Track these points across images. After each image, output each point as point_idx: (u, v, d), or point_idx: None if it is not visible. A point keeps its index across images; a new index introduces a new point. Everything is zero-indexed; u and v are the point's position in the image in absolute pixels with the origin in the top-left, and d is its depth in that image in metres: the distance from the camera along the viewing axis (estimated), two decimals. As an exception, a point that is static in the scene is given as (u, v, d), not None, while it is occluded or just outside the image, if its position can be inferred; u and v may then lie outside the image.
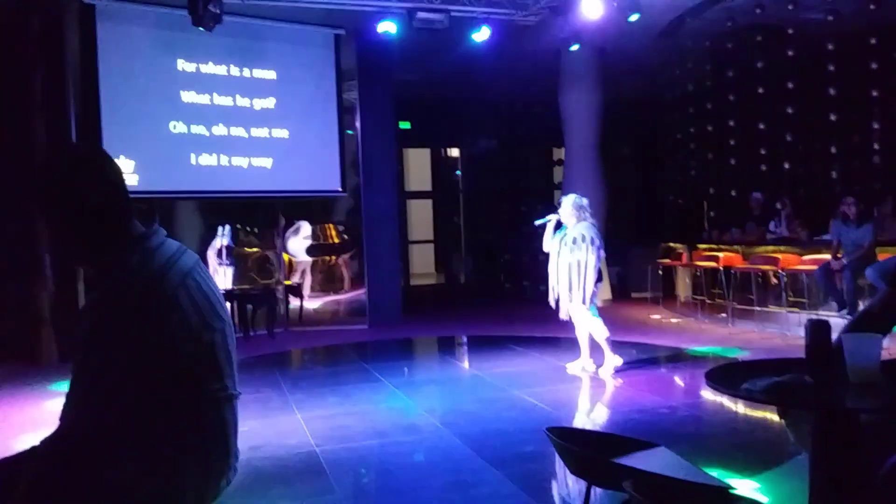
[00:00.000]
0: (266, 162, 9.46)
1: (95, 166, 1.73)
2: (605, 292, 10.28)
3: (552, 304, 6.42)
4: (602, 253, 6.22)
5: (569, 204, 6.34)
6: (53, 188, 1.67)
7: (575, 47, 9.11)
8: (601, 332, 6.28)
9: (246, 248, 12.60)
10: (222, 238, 10.70)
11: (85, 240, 1.68)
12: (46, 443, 1.65)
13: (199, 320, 1.69)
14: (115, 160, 1.81)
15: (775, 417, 4.29)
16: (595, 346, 6.43)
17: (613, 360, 6.33)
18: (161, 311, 1.62)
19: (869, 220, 7.75)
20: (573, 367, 6.52)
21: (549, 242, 6.47)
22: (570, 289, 6.20)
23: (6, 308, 7.92)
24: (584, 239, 6.17)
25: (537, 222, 6.61)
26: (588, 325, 6.30)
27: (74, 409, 1.61)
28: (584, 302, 6.16)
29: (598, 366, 6.41)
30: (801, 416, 2.30)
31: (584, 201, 6.38)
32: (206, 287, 1.76)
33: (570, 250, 6.21)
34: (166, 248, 1.73)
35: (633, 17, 8.06)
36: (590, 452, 2.36)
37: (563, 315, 6.40)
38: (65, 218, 1.67)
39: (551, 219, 6.47)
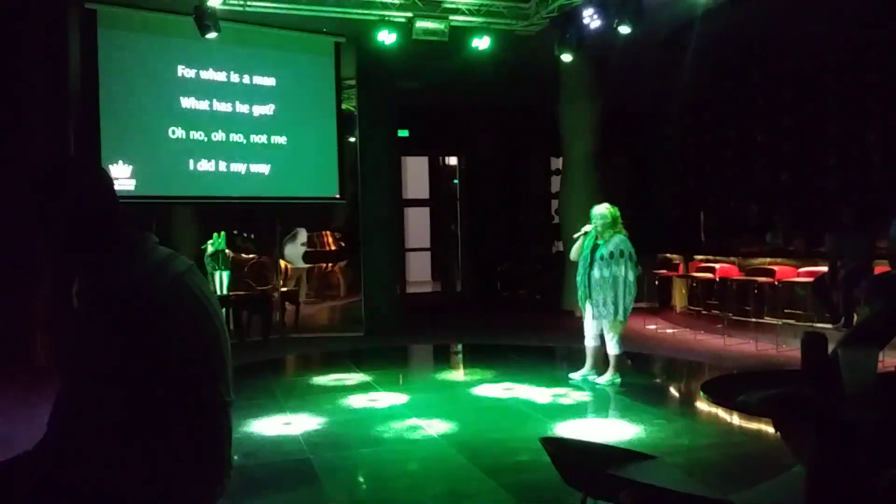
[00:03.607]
0: (264, 168, 9.46)
1: (87, 174, 1.74)
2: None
3: (584, 315, 6.40)
4: (639, 269, 6.17)
5: (604, 214, 6.19)
6: (46, 195, 1.68)
7: (568, 58, 9.08)
8: (617, 348, 6.28)
9: (243, 254, 12.58)
10: (217, 244, 10.72)
11: (75, 245, 1.69)
12: (36, 449, 1.64)
13: (190, 325, 1.69)
14: (110, 167, 1.84)
15: (771, 429, 4.28)
16: (599, 359, 6.44)
17: (614, 377, 6.32)
18: (148, 316, 1.62)
19: (866, 231, 7.76)
20: (576, 377, 6.51)
21: (577, 252, 6.40)
22: (604, 303, 6.15)
23: (1, 312, 7.90)
24: (622, 254, 6.10)
25: (576, 235, 6.50)
26: (609, 339, 6.27)
27: (63, 416, 1.61)
28: (623, 318, 6.13)
29: (598, 377, 6.41)
30: (797, 427, 2.30)
31: (618, 212, 6.25)
32: (198, 292, 1.75)
33: (607, 264, 6.11)
34: (156, 254, 1.74)
35: (624, 30, 8.03)
36: (585, 464, 2.35)
37: (588, 328, 6.39)
38: (56, 224, 1.68)
39: (588, 230, 6.34)
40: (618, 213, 6.26)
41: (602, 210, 6.25)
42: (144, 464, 1.62)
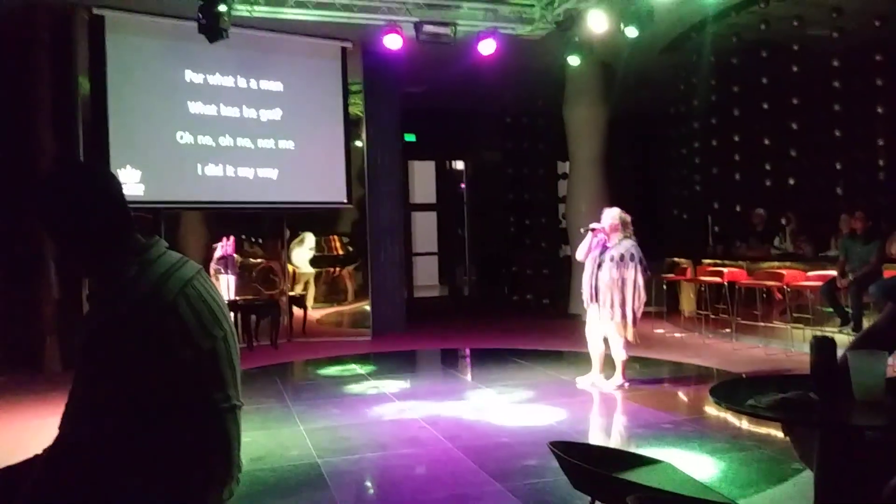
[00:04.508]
0: (272, 173, 9.49)
1: (95, 180, 1.75)
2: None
3: (587, 318, 6.40)
4: (648, 273, 6.19)
5: (613, 218, 6.22)
6: (54, 201, 1.69)
7: (575, 62, 9.06)
8: (622, 353, 6.26)
9: (250, 259, 12.60)
10: (225, 248, 10.72)
11: (84, 251, 1.71)
12: (46, 452, 1.65)
13: (200, 329, 1.70)
14: (118, 171, 1.85)
15: (780, 434, 4.25)
16: (605, 363, 6.42)
17: (620, 381, 6.31)
18: (158, 320, 1.63)
19: (876, 237, 7.73)
20: (583, 382, 6.49)
21: (583, 251, 6.41)
22: (612, 305, 6.13)
23: (11, 316, 7.94)
24: (632, 258, 6.10)
25: (582, 230, 6.53)
26: (614, 343, 6.26)
27: (73, 419, 1.62)
28: (633, 321, 6.11)
29: (605, 381, 6.39)
30: (806, 432, 2.29)
31: (628, 219, 6.28)
32: (207, 296, 1.76)
33: (617, 266, 6.11)
34: (166, 258, 1.75)
35: (630, 33, 8.00)
36: (593, 467, 2.35)
37: (591, 331, 6.38)
38: (65, 230, 1.70)
39: (596, 228, 6.36)
40: (628, 220, 6.28)
41: (613, 211, 6.30)
42: (152, 467, 1.63)
